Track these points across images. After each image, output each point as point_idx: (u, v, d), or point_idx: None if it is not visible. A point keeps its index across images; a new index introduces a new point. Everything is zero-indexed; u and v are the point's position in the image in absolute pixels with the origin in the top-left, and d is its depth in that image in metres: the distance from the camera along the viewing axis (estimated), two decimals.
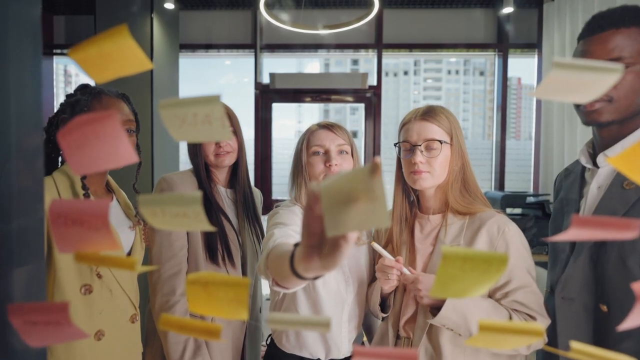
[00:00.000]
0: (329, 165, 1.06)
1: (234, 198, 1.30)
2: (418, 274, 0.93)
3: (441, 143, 0.97)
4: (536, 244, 2.42)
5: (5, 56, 0.51)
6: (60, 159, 1.13)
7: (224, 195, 1.28)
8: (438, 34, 3.09)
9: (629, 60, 0.85)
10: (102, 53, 0.31)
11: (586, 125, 0.94)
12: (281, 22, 2.45)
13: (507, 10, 2.85)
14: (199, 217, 0.33)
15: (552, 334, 0.96)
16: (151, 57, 2.57)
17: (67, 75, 3.53)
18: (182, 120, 0.32)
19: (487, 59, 3.29)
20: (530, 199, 2.58)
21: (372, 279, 1.14)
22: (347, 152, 1.10)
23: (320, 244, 0.43)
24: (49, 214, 0.34)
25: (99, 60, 0.32)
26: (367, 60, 3.36)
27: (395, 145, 1.05)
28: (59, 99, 3.33)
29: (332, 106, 3.62)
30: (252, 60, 3.10)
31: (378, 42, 3.06)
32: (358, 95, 3.07)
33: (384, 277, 0.96)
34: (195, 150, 1.23)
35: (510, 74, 3.09)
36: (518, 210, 2.64)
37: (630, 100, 0.87)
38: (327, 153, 1.08)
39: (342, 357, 1.10)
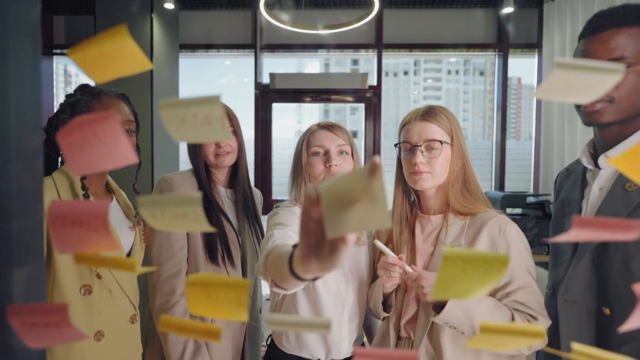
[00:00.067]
0: (329, 165, 1.06)
1: (233, 198, 1.30)
2: (421, 271, 0.93)
3: (441, 143, 0.96)
4: (536, 244, 2.42)
5: (4, 56, 0.51)
6: (60, 159, 1.13)
7: (223, 196, 1.28)
8: (438, 34, 3.09)
9: (630, 60, 0.84)
10: (101, 53, 0.31)
11: (587, 126, 0.94)
12: (281, 22, 2.45)
13: (507, 10, 2.85)
14: (199, 218, 0.33)
15: (555, 336, 0.96)
16: (151, 57, 2.57)
17: (67, 75, 3.53)
18: (182, 121, 0.32)
19: (487, 59, 3.29)
20: (531, 199, 2.58)
21: (373, 279, 1.14)
22: (347, 153, 1.09)
23: (318, 246, 0.42)
24: (48, 215, 0.34)
25: (99, 60, 0.32)
26: (367, 60, 3.36)
27: (395, 145, 1.05)
28: (59, 99, 3.33)
29: (332, 106, 3.62)
30: (252, 60, 3.10)
31: (378, 42, 3.06)
32: (358, 95, 3.07)
33: (386, 274, 0.95)
34: (195, 151, 1.23)
35: (510, 74, 3.09)
36: (518, 211, 2.64)
37: (631, 101, 0.86)
38: (327, 153, 1.08)
39: (343, 357, 1.10)
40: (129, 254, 1.15)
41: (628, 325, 0.32)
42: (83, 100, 1.07)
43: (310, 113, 3.56)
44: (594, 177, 0.96)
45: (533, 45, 3.04)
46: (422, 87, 3.75)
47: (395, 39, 3.09)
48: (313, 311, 1.06)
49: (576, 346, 0.33)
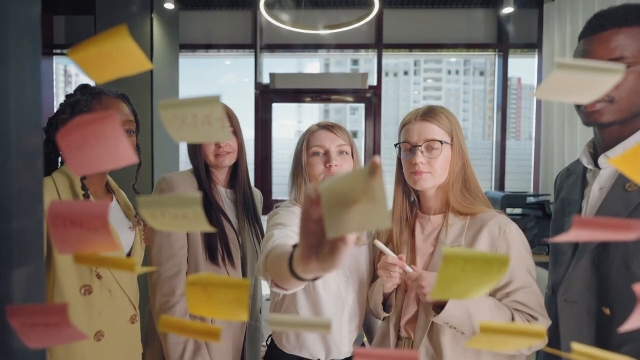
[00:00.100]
0: (329, 165, 1.05)
1: (233, 198, 1.30)
2: (421, 271, 0.93)
3: (442, 143, 0.96)
4: (536, 244, 2.41)
5: (4, 56, 0.51)
6: (60, 159, 1.13)
7: (223, 196, 1.28)
8: (438, 34, 3.09)
9: (630, 60, 0.83)
10: (101, 53, 0.31)
11: (587, 126, 0.93)
12: (281, 22, 2.45)
13: (507, 10, 2.85)
14: (199, 218, 0.33)
15: (555, 336, 0.96)
16: (151, 57, 2.57)
17: (67, 75, 3.53)
18: (181, 121, 0.32)
19: (487, 59, 3.29)
20: (531, 199, 2.58)
21: (373, 279, 1.14)
22: (347, 153, 1.09)
23: (318, 246, 0.42)
24: (48, 215, 0.34)
25: (99, 60, 0.32)
26: (367, 60, 3.36)
27: (395, 145, 1.05)
28: (59, 99, 3.33)
29: (332, 106, 3.62)
30: (252, 60, 3.10)
31: (378, 42, 3.06)
32: (358, 95, 3.07)
33: (386, 274, 0.95)
34: (195, 151, 1.23)
35: (510, 74, 3.09)
36: (518, 211, 2.64)
37: (631, 101, 0.85)
38: (327, 154, 1.07)
39: (343, 357, 1.10)
40: (129, 254, 1.15)
41: (628, 325, 0.32)
42: (83, 100, 1.07)
43: (310, 113, 3.55)
44: (594, 177, 0.96)
45: (533, 45, 3.04)
46: (422, 87, 3.75)
47: (395, 39, 3.09)
48: (313, 311, 1.06)
49: (576, 346, 0.33)
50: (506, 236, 0.93)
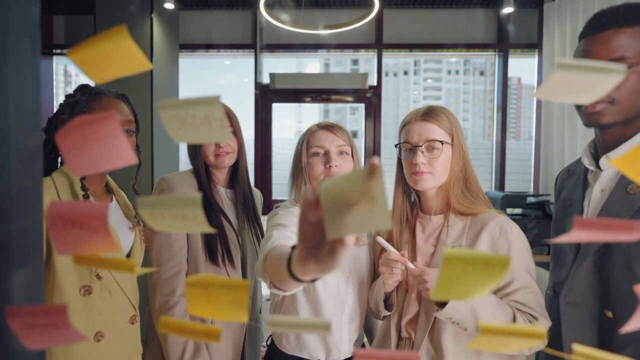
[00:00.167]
0: (329, 166, 1.05)
1: (233, 198, 1.30)
2: (424, 267, 0.92)
3: (442, 143, 0.96)
4: (537, 244, 2.41)
5: (4, 56, 0.51)
6: (59, 159, 1.13)
7: (223, 196, 1.28)
8: (438, 34, 3.09)
9: (631, 61, 0.82)
10: (101, 53, 0.31)
11: (588, 127, 0.93)
12: (281, 22, 2.45)
13: (507, 10, 2.85)
14: (199, 219, 0.32)
15: (557, 338, 0.95)
16: (151, 57, 2.56)
17: (67, 75, 3.52)
18: (181, 122, 0.32)
19: (487, 59, 3.29)
20: (531, 199, 2.58)
21: (373, 279, 1.14)
22: (347, 153, 1.09)
23: (317, 248, 0.42)
24: (47, 216, 0.34)
25: (98, 60, 0.32)
26: (367, 60, 3.35)
27: (396, 146, 1.05)
28: (59, 99, 3.33)
29: (332, 106, 3.62)
30: (252, 60, 3.09)
31: (378, 42, 3.06)
32: (358, 95, 3.07)
33: (388, 271, 0.95)
34: (195, 151, 1.23)
35: (510, 73, 3.08)
36: (518, 211, 2.64)
37: (633, 102, 0.85)
38: (327, 154, 1.07)
39: (343, 358, 1.09)
40: (128, 255, 1.15)
41: (629, 327, 0.32)
42: (83, 100, 1.07)
43: (310, 113, 3.55)
44: (595, 178, 0.95)
45: (533, 45, 3.04)
46: (422, 87, 3.75)
47: (395, 39, 3.09)
48: (313, 312, 1.06)
49: (577, 347, 0.33)
50: (507, 236, 0.93)
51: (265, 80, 3.09)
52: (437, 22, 3.09)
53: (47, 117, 1.09)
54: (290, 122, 3.42)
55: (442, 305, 0.89)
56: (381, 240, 0.97)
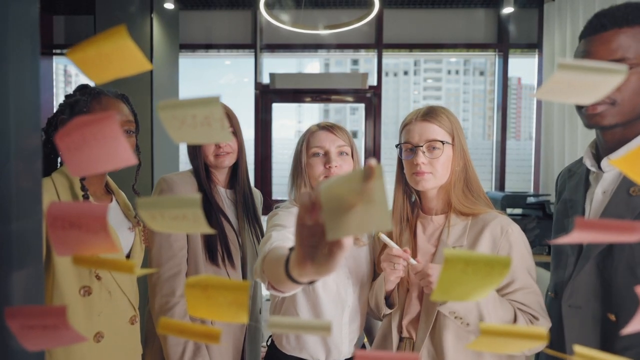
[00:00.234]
0: (329, 166, 1.05)
1: (233, 199, 1.30)
2: (427, 263, 0.92)
3: (443, 143, 0.96)
4: (537, 244, 2.41)
5: (3, 56, 0.51)
6: (59, 159, 1.13)
7: (223, 196, 1.27)
8: (438, 34, 3.09)
9: (632, 62, 0.81)
10: (100, 54, 0.31)
11: (588, 128, 0.92)
12: (281, 22, 2.45)
13: (508, 10, 2.85)
14: (198, 220, 0.32)
15: (559, 341, 0.95)
16: (151, 57, 2.56)
17: (67, 75, 3.52)
18: (181, 122, 0.32)
19: (487, 59, 3.29)
20: (531, 200, 2.58)
21: (373, 279, 1.13)
22: (347, 154, 1.09)
23: (314, 250, 0.42)
24: (46, 217, 0.34)
25: (98, 61, 0.31)
26: (367, 60, 3.35)
27: (396, 146, 1.05)
28: (59, 99, 3.32)
29: (332, 106, 3.62)
30: (252, 60, 3.09)
31: (378, 42, 3.06)
32: (358, 95, 3.07)
33: (390, 267, 0.94)
34: (195, 151, 1.23)
35: (510, 74, 3.08)
36: (518, 211, 2.64)
37: (634, 103, 0.84)
38: (327, 154, 1.07)
39: (343, 358, 1.09)
40: (128, 255, 1.15)
41: (631, 328, 0.31)
42: (82, 100, 1.07)
43: (310, 113, 3.55)
44: (596, 179, 0.95)
45: (533, 45, 3.04)
46: (422, 87, 3.75)
47: (395, 39, 3.09)
48: (313, 312, 1.06)
49: (578, 349, 0.33)
50: (508, 237, 0.93)
51: (265, 80, 3.09)
52: (437, 22, 3.09)
53: (47, 117, 1.09)
54: (290, 122, 3.42)
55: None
56: (383, 236, 0.96)
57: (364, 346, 1.30)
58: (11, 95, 0.52)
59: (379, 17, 3.00)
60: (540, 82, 3.07)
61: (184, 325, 0.37)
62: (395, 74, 3.64)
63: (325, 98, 3.09)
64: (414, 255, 1.03)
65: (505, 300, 0.91)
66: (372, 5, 2.24)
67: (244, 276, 1.24)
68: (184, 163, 3.01)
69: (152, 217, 0.34)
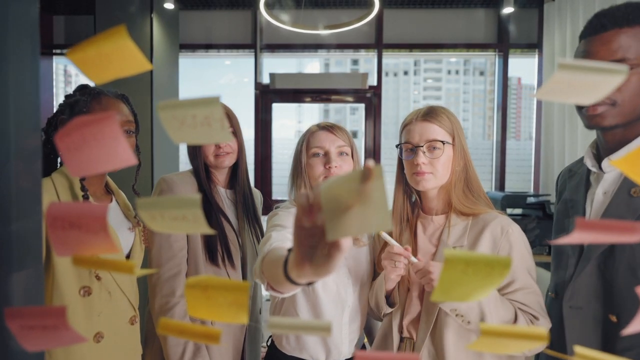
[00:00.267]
0: (329, 167, 1.05)
1: (233, 199, 1.30)
2: (428, 261, 0.91)
3: (443, 143, 0.96)
4: (538, 244, 2.41)
5: (3, 57, 0.51)
6: (59, 160, 1.13)
7: (223, 196, 1.27)
8: (438, 34, 3.09)
9: (633, 62, 0.81)
10: (100, 54, 0.31)
11: (589, 129, 0.92)
12: (281, 22, 2.45)
13: (508, 10, 2.85)
14: (198, 220, 0.32)
15: (560, 342, 0.95)
16: (151, 57, 2.56)
17: (67, 75, 3.52)
18: (181, 122, 0.32)
19: (487, 59, 3.29)
20: (531, 200, 2.58)
21: (373, 279, 1.13)
22: (347, 154, 1.09)
23: (312, 252, 0.42)
24: (46, 217, 0.34)
25: (98, 61, 0.31)
26: (367, 60, 3.35)
27: (397, 146, 1.05)
28: (59, 99, 3.32)
29: (332, 106, 3.62)
30: (252, 60, 3.09)
31: (378, 42, 3.06)
32: (358, 95, 3.07)
33: (391, 265, 0.94)
34: (195, 151, 1.23)
35: (510, 73, 3.08)
36: (519, 211, 2.64)
37: (635, 104, 0.83)
38: (327, 155, 1.07)
39: (343, 359, 1.09)
40: (128, 255, 1.15)
41: (631, 329, 0.31)
42: (82, 100, 1.07)
43: (310, 113, 3.55)
44: (597, 179, 0.95)
45: (533, 45, 3.04)
46: (422, 87, 3.75)
47: (395, 39, 3.09)
48: (312, 313, 1.06)
49: (579, 349, 0.33)
50: (509, 237, 0.93)
51: (265, 80, 3.08)
52: (437, 22, 3.09)
53: (47, 117, 1.09)
54: (290, 122, 3.42)
55: None
56: (384, 234, 0.96)
57: (364, 346, 1.30)
58: (11, 95, 0.52)
59: (379, 17, 3.00)
60: (540, 82, 3.07)
61: (184, 325, 0.37)
62: (395, 74, 3.64)
63: (325, 98, 3.09)
64: (415, 255, 1.03)
65: (506, 300, 0.92)
66: (372, 5, 2.24)
67: (244, 276, 1.24)
68: (184, 163, 3.01)
69: (152, 218, 0.34)
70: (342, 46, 3.10)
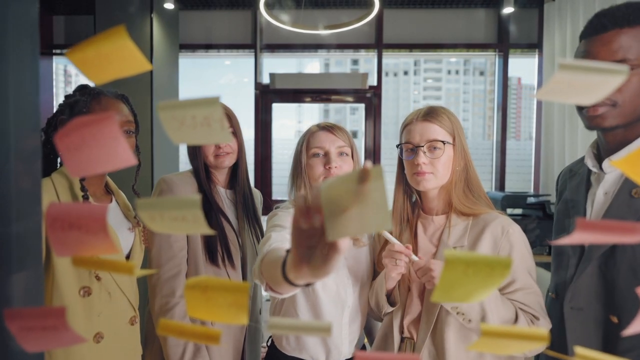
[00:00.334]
0: (329, 167, 1.05)
1: (233, 199, 1.30)
2: (429, 259, 0.91)
3: (444, 143, 0.96)
4: (538, 244, 2.41)
5: (3, 57, 0.51)
6: (59, 160, 1.13)
7: (223, 196, 1.27)
8: (438, 34, 3.09)
9: (634, 62, 0.81)
10: (100, 54, 0.31)
11: (589, 130, 0.91)
12: (281, 22, 2.45)
13: (508, 10, 2.85)
14: (198, 221, 0.32)
15: (560, 343, 0.94)
16: (151, 57, 2.56)
17: (67, 75, 3.52)
18: (180, 123, 0.32)
19: (487, 59, 3.29)
20: (531, 200, 2.58)
21: (373, 279, 1.13)
22: (347, 154, 1.09)
23: (309, 253, 0.42)
24: (46, 218, 0.34)
25: (97, 61, 0.31)
26: (367, 60, 3.35)
27: (397, 146, 1.05)
28: (59, 99, 3.31)
29: (332, 106, 3.62)
30: (252, 60, 3.09)
31: (378, 42, 3.06)
32: (358, 95, 3.07)
33: (392, 263, 0.94)
34: (195, 152, 1.23)
35: (510, 73, 3.08)
36: (519, 211, 2.63)
37: (635, 105, 0.83)
38: (327, 155, 1.07)
39: (343, 359, 1.09)
40: (128, 256, 1.15)
41: (632, 329, 0.31)
42: (82, 101, 1.07)
43: (310, 113, 3.55)
44: (598, 180, 0.94)
45: (533, 45, 3.04)
46: (422, 87, 3.75)
47: (395, 39, 3.09)
48: (312, 313, 1.06)
49: (579, 350, 0.33)
50: (509, 237, 0.93)
51: (265, 80, 3.08)
52: (437, 22, 3.09)
53: (47, 117, 1.09)
54: (290, 122, 3.41)
55: None
56: (386, 233, 0.96)
57: (364, 347, 1.29)
58: (11, 96, 0.52)
59: (379, 17, 3.00)
60: (540, 82, 3.07)
61: (184, 326, 0.37)
62: (395, 74, 3.64)
63: (325, 98, 3.09)
64: (415, 255, 1.02)
65: (507, 300, 0.92)
66: (372, 5, 2.24)
67: (244, 276, 1.24)
68: (184, 163, 3.01)
69: (152, 218, 0.34)
70: (342, 46, 3.10)
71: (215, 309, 0.35)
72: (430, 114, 0.98)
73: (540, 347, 0.34)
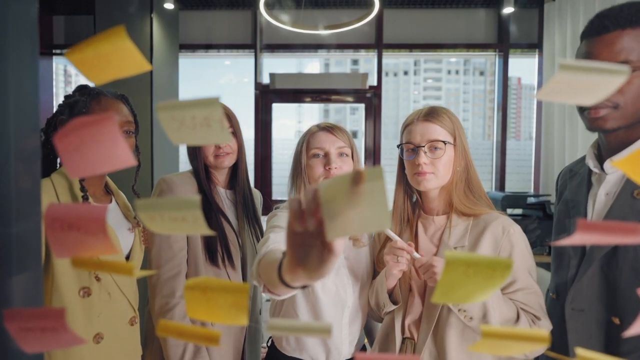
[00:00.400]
0: (329, 168, 1.05)
1: (233, 199, 1.29)
2: (431, 257, 0.91)
3: (445, 144, 0.96)
4: (539, 244, 2.41)
5: (2, 57, 0.51)
6: (58, 160, 1.13)
7: (223, 197, 1.27)
8: (438, 34, 3.09)
9: (636, 64, 0.80)
10: (99, 54, 0.31)
11: (591, 132, 0.91)
12: (281, 23, 2.45)
13: (508, 10, 2.85)
14: (198, 221, 0.32)
15: (562, 344, 0.94)
16: (151, 58, 2.56)
17: (66, 75, 3.52)
18: (180, 123, 0.32)
19: (487, 59, 3.29)
20: (531, 200, 2.58)
21: (373, 279, 1.13)
22: (347, 155, 1.09)
23: (305, 256, 0.42)
24: (45, 218, 0.34)
25: (97, 61, 0.31)
26: (367, 60, 3.35)
27: (398, 146, 1.05)
28: (59, 99, 3.32)
29: (332, 106, 3.62)
30: (252, 60, 3.09)
31: (378, 42, 3.05)
32: (358, 95, 3.07)
33: (393, 260, 0.93)
34: (195, 152, 1.23)
35: (510, 73, 3.08)
36: (519, 211, 2.63)
37: (637, 106, 0.82)
38: (326, 156, 1.07)
39: (343, 359, 1.09)
40: (128, 256, 1.15)
41: (633, 330, 0.31)
42: (82, 101, 1.07)
43: (310, 113, 3.55)
44: (599, 180, 0.94)
45: (533, 45, 3.04)
46: (422, 87, 3.75)
47: (395, 39, 3.09)
48: (312, 313, 1.06)
49: (580, 351, 0.33)
50: (510, 237, 0.92)
51: (265, 80, 3.08)
52: (437, 22, 3.09)
53: (47, 117, 1.09)
54: (290, 122, 3.41)
55: None
56: (388, 231, 0.96)
57: (364, 347, 1.29)
58: (11, 96, 0.52)
59: (379, 17, 3.00)
60: (540, 83, 3.06)
61: (184, 327, 0.37)
62: (395, 74, 3.64)
63: (325, 98, 3.09)
64: None
65: (508, 299, 0.92)
66: (372, 5, 2.24)
67: (244, 277, 1.24)
68: (184, 163, 3.01)
69: (152, 219, 0.34)
70: (342, 46, 3.10)
71: (215, 310, 0.34)
72: (431, 114, 0.98)
73: (541, 348, 0.34)
